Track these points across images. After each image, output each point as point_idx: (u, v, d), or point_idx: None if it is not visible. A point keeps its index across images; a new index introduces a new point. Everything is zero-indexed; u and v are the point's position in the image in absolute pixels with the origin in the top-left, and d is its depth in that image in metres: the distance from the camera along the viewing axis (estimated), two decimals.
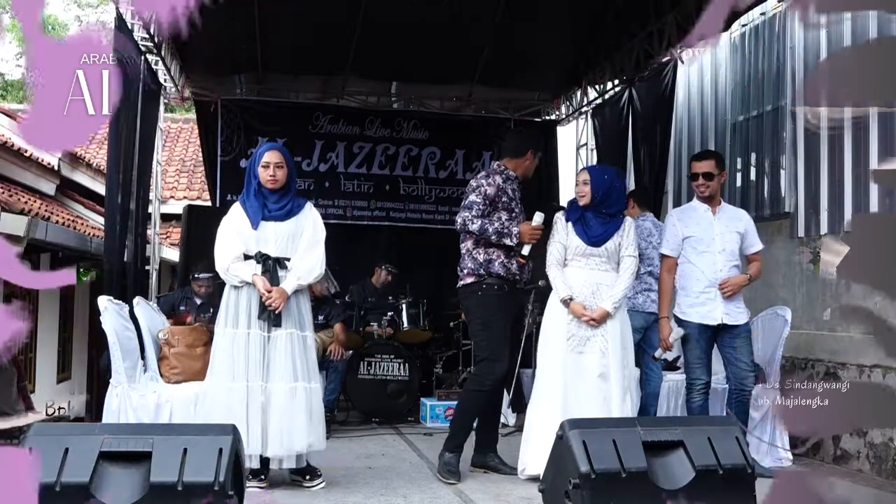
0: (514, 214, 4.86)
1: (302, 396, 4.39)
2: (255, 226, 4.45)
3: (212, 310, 6.27)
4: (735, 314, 4.99)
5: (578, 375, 4.60)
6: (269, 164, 4.48)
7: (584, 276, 4.69)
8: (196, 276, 6.40)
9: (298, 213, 4.54)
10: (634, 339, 5.19)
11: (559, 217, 4.84)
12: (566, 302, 4.66)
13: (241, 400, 4.32)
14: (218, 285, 6.46)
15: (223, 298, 4.52)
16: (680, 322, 5.07)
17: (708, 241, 5.02)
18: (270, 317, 4.37)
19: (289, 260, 4.47)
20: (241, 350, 4.38)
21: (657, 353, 5.16)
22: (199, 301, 6.41)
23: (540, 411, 4.64)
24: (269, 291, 4.35)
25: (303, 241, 4.51)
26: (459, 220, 4.80)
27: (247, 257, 4.44)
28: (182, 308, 6.28)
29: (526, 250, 4.79)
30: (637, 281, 5.34)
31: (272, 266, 4.42)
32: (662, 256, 5.15)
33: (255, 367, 4.36)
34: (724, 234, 5.05)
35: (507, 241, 4.75)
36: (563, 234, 4.76)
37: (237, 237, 4.46)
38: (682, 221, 5.10)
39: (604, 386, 4.60)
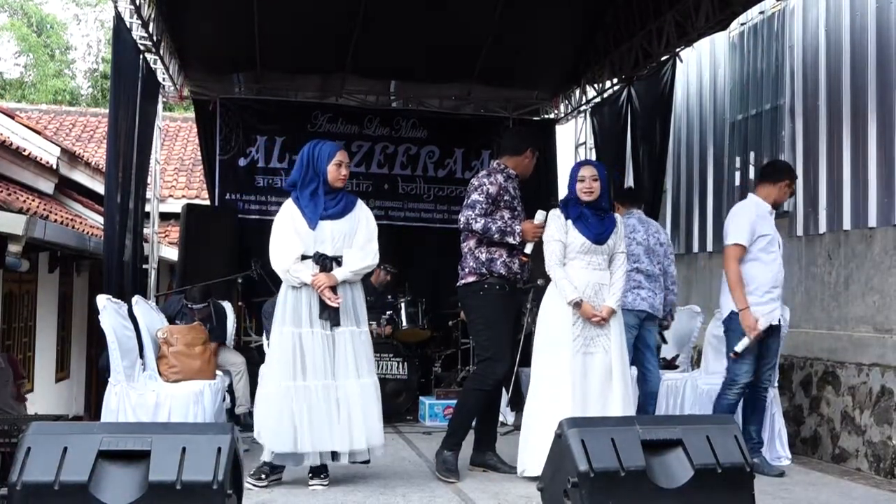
0: (515, 213, 4.86)
1: (369, 391, 4.50)
2: (313, 226, 4.46)
3: (208, 326, 6.25)
4: (783, 314, 5.21)
5: (586, 375, 4.59)
6: (341, 163, 4.53)
7: (587, 277, 4.66)
8: (192, 306, 6.36)
9: (352, 210, 4.57)
10: (629, 338, 5.17)
11: (556, 214, 4.78)
12: (577, 304, 4.61)
13: (319, 398, 4.36)
14: (214, 306, 6.48)
15: (280, 297, 4.52)
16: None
17: (775, 243, 5.11)
18: (331, 315, 4.40)
19: None
20: (316, 348, 4.40)
21: (738, 347, 4.95)
22: (195, 321, 6.38)
23: (546, 413, 4.50)
24: (331, 289, 4.38)
25: (357, 238, 4.55)
26: (462, 218, 4.79)
27: (304, 257, 4.44)
28: (178, 322, 6.26)
29: (529, 248, 4.78)
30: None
31: (330, 265, 4.44)
32: (735, 245, 5.04)
33: (326, 366, 4.40)
34: (779, 236, 5.20)
35: (511, 240, 4.75)
36: (563, 232, 4.69)
37: (296, 237, 4.46)
38: (760, 217, 5.10)
39: (608, 383, 4.61)
